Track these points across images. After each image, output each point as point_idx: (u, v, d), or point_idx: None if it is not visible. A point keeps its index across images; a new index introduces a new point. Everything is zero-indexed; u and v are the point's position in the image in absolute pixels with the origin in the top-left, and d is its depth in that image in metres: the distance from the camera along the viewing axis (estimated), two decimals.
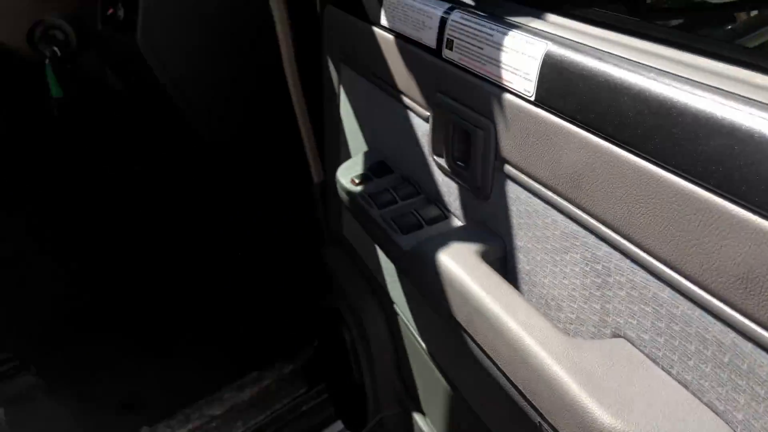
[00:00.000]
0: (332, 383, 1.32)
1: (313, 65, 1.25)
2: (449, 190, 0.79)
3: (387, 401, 1.10)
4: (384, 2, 0.89)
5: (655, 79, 0.48)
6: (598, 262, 0.56)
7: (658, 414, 0.47)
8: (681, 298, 0.47)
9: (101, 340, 1.52)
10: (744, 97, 0.43)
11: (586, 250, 0.57)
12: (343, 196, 0.94)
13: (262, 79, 1.28)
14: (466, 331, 0.66)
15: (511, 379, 0.58)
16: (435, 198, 0.83)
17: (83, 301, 1.54)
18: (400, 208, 0.83)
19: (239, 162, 1.39)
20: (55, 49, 1.27)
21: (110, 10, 1.18)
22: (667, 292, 0.49)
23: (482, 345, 0.63)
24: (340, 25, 1.04)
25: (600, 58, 0.54)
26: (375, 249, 1.07)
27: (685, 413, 0.47)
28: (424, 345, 0.96)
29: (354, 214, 0.93)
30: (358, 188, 0.90)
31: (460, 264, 0.67)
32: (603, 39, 0.58)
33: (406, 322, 1.01)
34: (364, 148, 1.04)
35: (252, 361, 1.53)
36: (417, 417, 1.03)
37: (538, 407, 0.55)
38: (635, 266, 0.52)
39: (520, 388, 0.57)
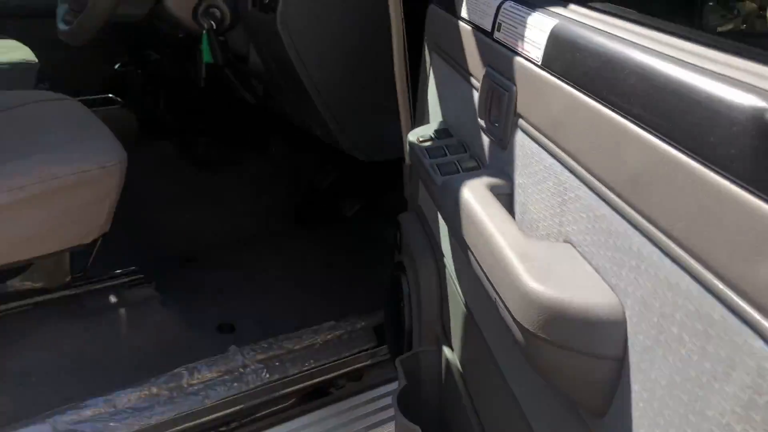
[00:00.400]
0: (390, 325, 1.51)
1: (413, 57, 1.46)
2: (485, 145, 0.97)
3: (427, 341, 1.28)
4: (465, 3, 1.09)
5: (630, 47, 0.64)
6: (563, 186, 0.72)
7: (567, 282, 0.63)
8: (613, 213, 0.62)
9: (213, 273, 1.81)
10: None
11: (557, 180, 0.74)
12: (409, 151, 1.14)
13: (374, 67, 1.51)
14: (470, 250, 0.83)
15: (485, 271, 0.75)
16: (477, 155, 1.01)
17: (202, 243, 1.84)
18: (447, 160, 1.02)
19: (351, 140, 1.62)
20: (212, 23, 1.57)
21: None
22: (604, 209, 0.64)
23: (477, 257, 0.80)
24: (436, 20, 1.25)
25: (589, 32, 0.71)
26: (434, 211, 1.25)
27: (587, 284, 0.63)
28: (459, 288, 1.13)
29: (414, 166, 1.12)
30: (421, 145, 1.10)
31: (471, 192, 0.85)
32: (601, 21, 0.75)
33: (449, 271, 1.18)
34: (417, 135, 1.24)
35: (331, 312, 1.74)
36: (446, 350, 1.20)
37: (495, 286, 0.72)
38: (589, 192, 0.67)
39: (489, 277, 0.74)
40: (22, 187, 1.36)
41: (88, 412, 1.41)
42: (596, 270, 0.65)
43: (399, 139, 1.57)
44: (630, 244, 0.59)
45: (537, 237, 0.79)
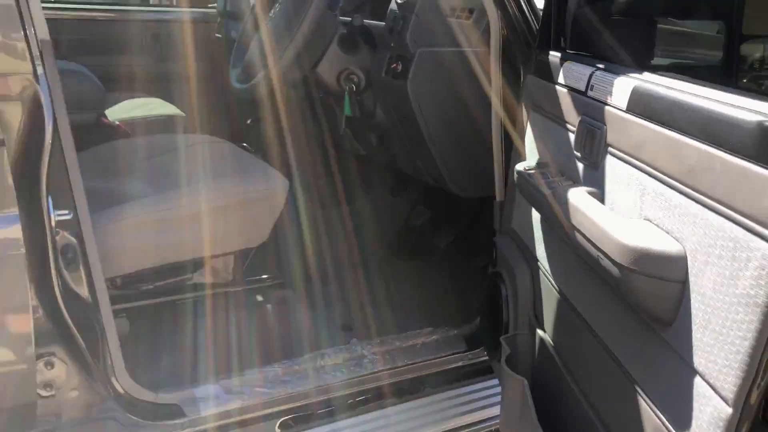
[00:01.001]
0: (488, 324, 1.88)
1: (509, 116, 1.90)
2: (580, 169, 1.38)
3: (522, 328, 1.65)
4: (561, 71, 1.52)
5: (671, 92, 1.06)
6: (642, 185, 1.13)
7: (649, 237, 1.03)
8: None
9: (334, 285, 2.23)
10: None
11: (638, 181, 1.14)
12: (518, 178, 1.56)
13: (476, 122, 1.95)
14: (577, 230, 1.22)
15: (591, 239, 1.15)
16: (573, 177, 1.41)
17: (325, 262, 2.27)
18: (550, 180, 1.43)
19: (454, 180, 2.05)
20: (353, 85, 2.04)
21: (393, 65, 1.93)
22: (670, 193, 1.04)
23: (585, 232, 1.19)
24: (534, 86, 1.69)
25: (654, 87, 1.13)
26: (531, 226, 1.65)
27: (661, 237, 1.03)
28: (553, 280, 1.51)
29: (519, 186, 1.53)
30: (532, 170, 1.51)
31: (577, 195, 1.26)
32: (659, 80, 1.16)
33: (543, 271, 1.57)
34: (523, 167, 1.66)
35: (429, 321, 2.12)
36: (539, 332, 1.58)
37: (600, 245, 1.11)
38: (660, 185, 1.07)
39: (595, 242, 1.13)
40: (215, 199, 1.81)
41: (247, 379, 1.81)
42: (666, 231, 1.04)
43: (491, 179, 1.99)
44: (687, 209, 0.99)
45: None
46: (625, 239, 1.05)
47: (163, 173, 1.94)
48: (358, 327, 2.12)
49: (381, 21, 2.05)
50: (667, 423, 1.02)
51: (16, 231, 1.27)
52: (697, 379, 0.94)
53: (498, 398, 1.96)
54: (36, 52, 1.31)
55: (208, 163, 1.98)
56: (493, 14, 1.81)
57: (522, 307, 1.66)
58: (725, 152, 0.90)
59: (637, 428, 1.10)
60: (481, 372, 2.04)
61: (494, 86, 1.91)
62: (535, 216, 1.63)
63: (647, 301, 1.04)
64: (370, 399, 1.95)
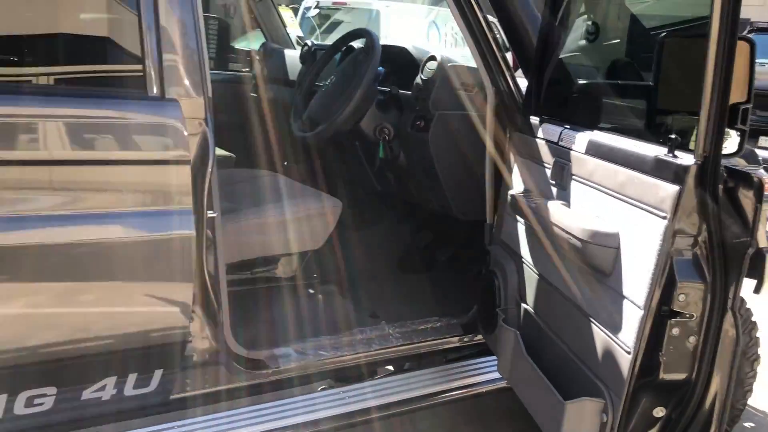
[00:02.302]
0: (485, 312, 2.59)
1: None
2: (554, 192, 2.14)
3: (509, 306, 2.38)
4: (540, 129, 2.29)
5: None
6: (594, 196, 1.89)
7: (600, 224, 1.79)
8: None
9: (363, 287, 2.94)
10: None
11: (593, 194, 1.90)
12: (510, 199, 2.31)
13: (476, 162, 2.71)
14: (554, 225, 1.97)
15: (564, 228, 1.90)
16: (550, 197, 2.16)
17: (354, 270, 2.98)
18: (533, 199, 2.19)
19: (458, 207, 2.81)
20: (386, 136, 2.79)
21: (418, 123, 2.70)
22: (609, 200, 1.81)
23: (559, 224, 1.94)
24: (520, 139, 2.46)
25: (597, 138, 1.90)
26: (517, 235, 2.39)
27: (606, 224, 1.78)
28: (535, 269, 2.25)
29: (511, 205, 2.28)
30: (521, 194, 2.27)
31: (555, 204, 2.01)
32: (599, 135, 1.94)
33: (526, 262, 2.30)
34: (514, 192, 2.41)
35: (436, 312, 2.83)
36: (523, 305, 2.30)
37: (569, 231, 1.86)
38: (603, 194, 1.84)
39: (567, 230, 1.88)
40: (281, 214, 2.51)
41: (310, 345, 2.48)
42: (606, 220, 1.80)
43: (485, 206, 2.75)
44: (620, 206, 1.75)
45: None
46: (585, 226, 1.80)
47: (247, 194, 2.64)
48: (382, 315, 2.82)
49: (406, 90, 2.83)
50: (609, 334, 1.74)
51: (190, 224, 1.95)
52: (626, 302, 1.68)
53: (489, 369, 2.68)
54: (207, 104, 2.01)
55: (277, 188, 2.69)
56: (489, 89, 2.60)
57: (511, 291, 2.39)
58: (638, 172, 1.67)
59: (591, 344, 1.81)
60: (474, 348, 2.75)
61: (488, 139, 2.68)
62: (520, 228, 2.37)
63: (597, 261, 1.78)
64: (395, 365, 2.64)
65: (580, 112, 2.41)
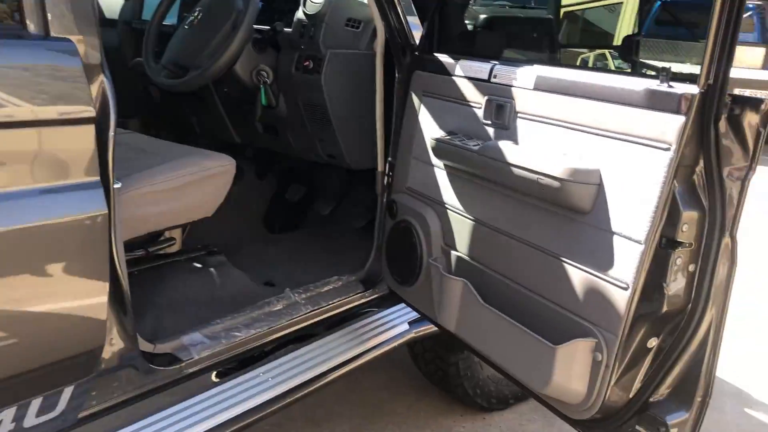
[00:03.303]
0: (399, 264, 2.44)
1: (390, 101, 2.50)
2: (491, 132, 2.04)
3: (435, 254, 2.26)
4: (457, 67, 2.17)
5: None
6: (547, 131, 1.82)
7: (575, 161, 1.72)
8: None
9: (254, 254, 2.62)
10: None
11: (544, 130, 1.83)
12: (435, 144, 2.16)
13: (372, 108, 2.51)
14: (512, 168, 1.87)
15: (531, 168, 1.81)
16: (482, 138, 2.06)
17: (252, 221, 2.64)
18: (470, 141, 2.07)
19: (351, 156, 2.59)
20: (266, 80, 2.46)
21: (306, 63, 2.42)
22: (571, 134, 1.75)
23: (522, 168, 1.85)
24: (425, 79, 2.31)
25: (550, 73, 1.83)
26: (435, 181, 2.27)
27: (581, 161, 1.73)
28: (468, 214, 2.14)
29: (436, 150, 2.14)
30: (448, 137, 2.13)
31: (503, 144, 1.91)
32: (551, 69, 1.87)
33: (454, 208, 2.19)
34: (431, 135, 2.28)
35: (337, 269, 2.63)
36: (453, 253, 2.20)
37: (537, 170, 1.78)
38: (563, 129, 1.77)
39: (533, 168, 1.79)
40: (176, 178, 2.11)
41: (218, 327, 2.15)
42: (580, 157, 1.74)
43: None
44: (597, 141, 1.70)
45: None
46: (563, 164, 1.72)
47: (123, 160, 2.17)
48: (278, 282, 2.55)
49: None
50: (595, 272, 1.70)
51: (100, 200, 1.53)
52: (616, 238, 1.65)
53: (400, 321, 2.56)
54: None
55: (156, 150, 2.25)
56: (379, 25, 2.40)
57: (435, 240, 2.27)
58: (624, 106, 1.63)
59: (569, 285, 1.77)
60: (381, 301, 2.61)
61: (378, 80, 2.50)
62: (442, 173, 2.25)
63: (575, 200, 1.72)
64: (309, 331, 2.41)
65: (481, 45, 2.33)
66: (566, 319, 1.77)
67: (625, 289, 1.62)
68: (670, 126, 1.53)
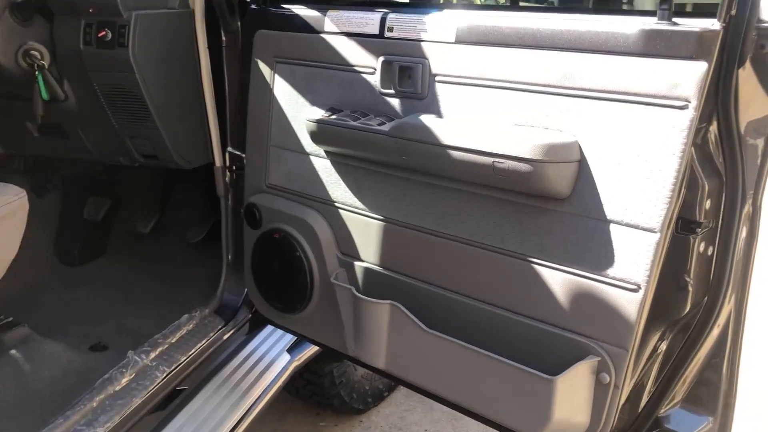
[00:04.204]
0: (275, 286, 1.87)
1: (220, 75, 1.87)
2: (396, 104, 1.53)
3: (331, 269, 1.73)
4: (326, 21, 1.61)
5: None
6: (483, 98, 1.37)
7: (544, 133, 1.29)
8: None
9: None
10: None
11: (477, 97, 1.38)
12: (315, 126, 1.61)
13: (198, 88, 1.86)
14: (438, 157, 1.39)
15: (479, 149, 1.34)
16: (385, 113, 1.55)
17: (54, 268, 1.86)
18: (368, 119, 1.54)
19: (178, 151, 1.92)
20: (40, 62, 1.68)
21: (100, 34, 1.68)
22: (520, 96, 1.32)
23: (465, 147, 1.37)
24: (274, 40, 1.72)
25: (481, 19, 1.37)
26: (315, 173, 1.72)
27: (554, 134, 1.30)
28: (373, 213, 1.63)
29: (316, 134, 1.59)
30: (333, 117, 1.58)
31: (426, 120, 1.42)
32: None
33: (351, 207, 1.67)
34: (302, 115, 1.71)
35: (179, 302, 1.98)
36: (358, 264, 1.68)
37: (492, 151, 1.32)
38: (509, 91, 1.33)
39: (486, 150, 1.33)
40: None
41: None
42: (546, 128, 1.32)
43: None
44: (573, 105, 1.28)
45: None
46: (535, 140, 1.28)
47: None
48: (110, 342, 1.84)
49: None
50: (590, 274, 1.30)
51: None
52: (615, 227, 1.26)
53: (282, 344, 2.02)
54: None
55: None
56: None
57: (328, 252, 1.73)
58: (612, 55, 1.22)
59: (550, 294, 1.36)
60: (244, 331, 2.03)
61: (201, 47, 1.85)
62: (321, 163, 1.70)
63: (553, 184, 1.30)
64: (173, 400, 1.77)
65: None
66: (554, 338, 1.37)
67: (636, 290, 1.25)
68: (686, 76, 1.15)
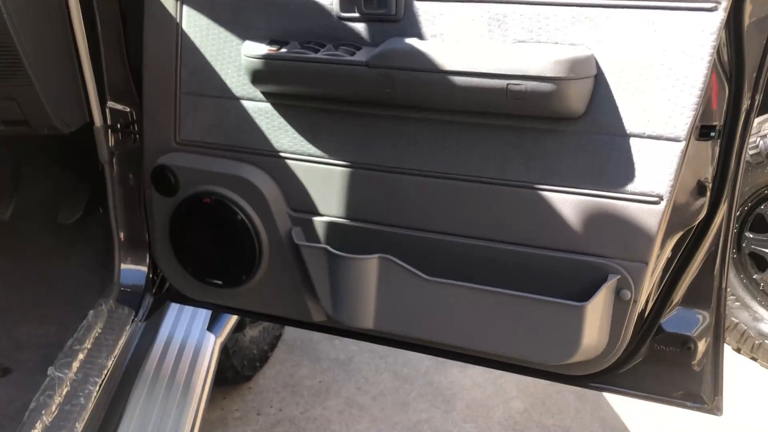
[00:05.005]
0: (208, 259, 1.58)
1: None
2: (361, 29, 1.33)
3: (283, 229, 1.50)
4: None
5: None
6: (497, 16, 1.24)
7: (551, 48, 1.20)
8: None
9: None
10: None
11: (485, 15, 1.24)
12: (259, 64, 1.35)
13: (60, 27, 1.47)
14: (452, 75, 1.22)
15: (486, 72, 1.21)
16: (351, 40, 1.33)
17: None
18: (328, 51, 1.32)
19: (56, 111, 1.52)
20: None
21: None
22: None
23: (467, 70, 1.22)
24: None
25: None
26: (250, 121, 1.46)
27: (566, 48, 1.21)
28: (336, 160, 1.42)
29: (283, 69, 1.34)
30: (283, 50, 1.33)
31: (419, 43, 1.25)
32: None
33: (308, 156, 1.45)
34: (227, 53, 1.43)
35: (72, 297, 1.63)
36: (318, 219, 1.48)
37: (512, 74, 1.20)
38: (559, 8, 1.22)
39: (496, 72, 1.20)
40: None
41: None
42: (556, 43, 1.22)
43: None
44: (590, 16, 1.19)
45: None
46: (553, 56, 1.17)
47: None
48: (13, 362, 1.45)
49: None
50: (604, 192, 1.25)
51: None
52: (636, 141, 1.22)
53: (199, 325, 1.77)
54: None
55: None
56: None
57: (276, 209, 1.50)
58: None
59: (558, 218, 1.30)
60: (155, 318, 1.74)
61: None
62: (259, 108, 1.45)
63: (572, 102, 1.21)
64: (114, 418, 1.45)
65: None
66: (569, 264, 1.32)
67: (657, 202, 1.23)
68: None
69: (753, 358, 2.86)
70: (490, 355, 1.42)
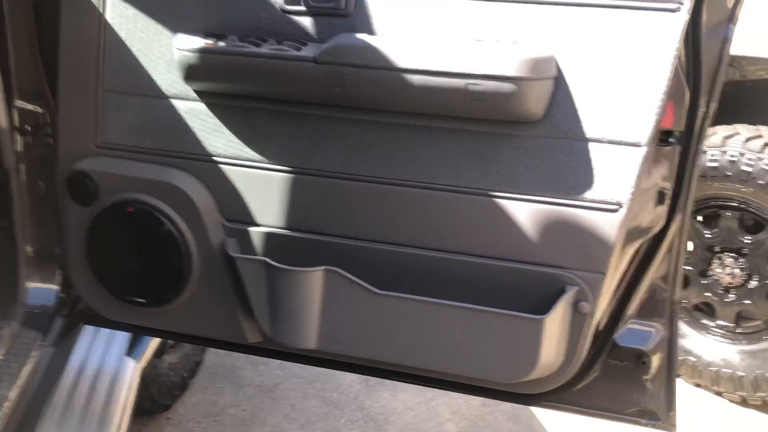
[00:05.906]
0: (126, 275, 1.42)
1: None
2: (308, 24, 1.23)
3: (216, 241, 1.37)
4: None
5: None
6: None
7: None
8: None
9: None
10: None
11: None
12: (194, 58, 1.23)
13: None
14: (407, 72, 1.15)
15: (442, 70, 1.14)
16: (295, 35, 1.24)
17: None
18: (270, 45, 1.22)
19: None
20: None
21: None
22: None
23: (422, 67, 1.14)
24: None
25: None
26: (182, 123, 1.34)
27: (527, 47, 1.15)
28: (280, 165, 1.31)
29: (220, 65, 1.23)
30: (221, 43, 1.22)
31: (371, 40, 1.17)
32: None
33: (241, 158, 1.33)
34: (157, 47, 1.30)
35: None
36: (255, 230, 1.36)
37: (462, 72, 1.13)
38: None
39: (452, 70, 1.13)
40: None
41: None
42: (514, 41, 1.17)
43: None
44: (552, 15, 1.15)
45: None
46: (516, 56, 1.12)
47: None
48: None
49: None
50: (559, 200, 1.20)
51: None
52: (594, 145, 1.17)
53: (117, 351, 1.61)
54: None
55: None
56: None
57: (208, 218, 1.37)
58: None
59: (513, 227, 1.23)
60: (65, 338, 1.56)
61: None
62: (191, 107, 1.32)
63: (532, 104, 1.16)
64: None
65: None
66: (524, 276, 1.25)
67: (616, 210, 1.19)
68: None
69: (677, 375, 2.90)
70: (442, 375, 1.34)
